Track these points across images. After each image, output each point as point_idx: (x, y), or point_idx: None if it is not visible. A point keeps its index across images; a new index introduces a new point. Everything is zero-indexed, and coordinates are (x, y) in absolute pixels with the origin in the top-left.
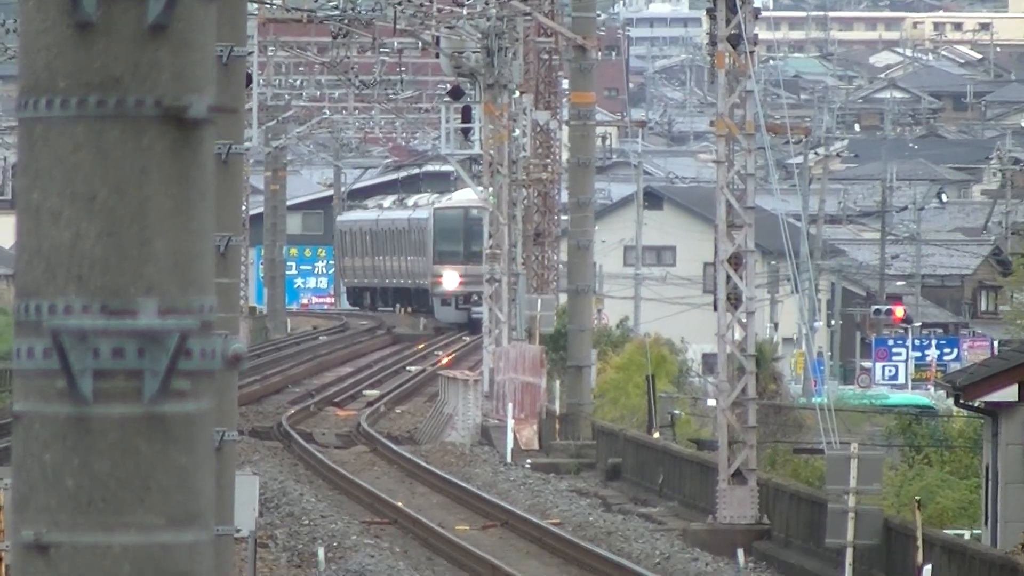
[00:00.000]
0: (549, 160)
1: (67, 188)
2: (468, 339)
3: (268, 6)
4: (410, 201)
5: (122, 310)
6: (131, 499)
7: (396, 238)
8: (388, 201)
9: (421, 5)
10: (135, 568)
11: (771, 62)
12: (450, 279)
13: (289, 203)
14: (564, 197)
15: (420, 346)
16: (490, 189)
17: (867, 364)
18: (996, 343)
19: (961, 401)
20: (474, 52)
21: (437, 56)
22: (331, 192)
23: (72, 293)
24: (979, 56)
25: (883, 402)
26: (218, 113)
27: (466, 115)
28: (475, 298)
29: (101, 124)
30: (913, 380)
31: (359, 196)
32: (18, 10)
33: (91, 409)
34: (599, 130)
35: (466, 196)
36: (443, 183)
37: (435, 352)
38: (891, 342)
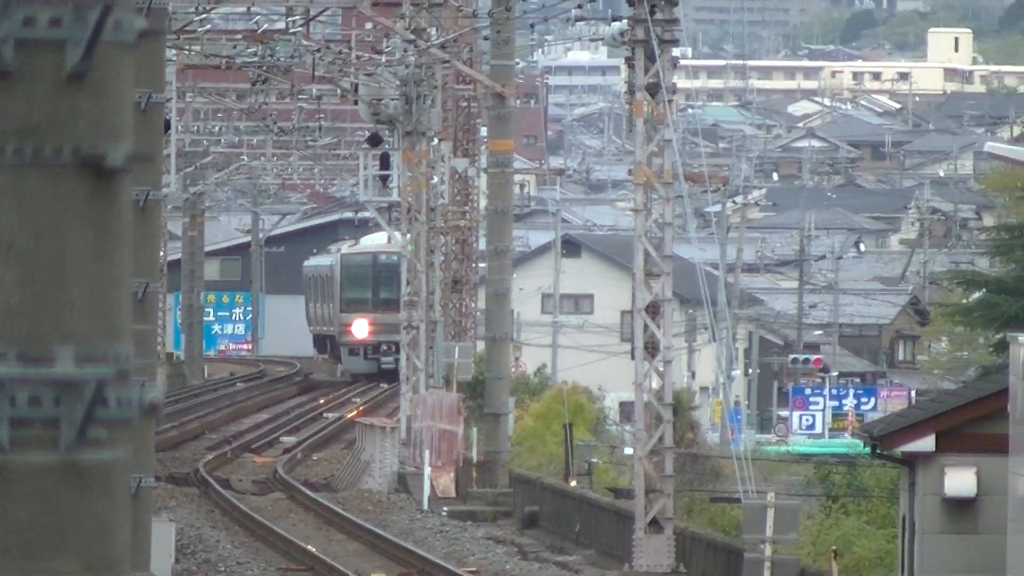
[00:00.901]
0: (467, 207)
1: None
2: (386, 386)
3: (187, 52)
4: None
5: (39, 358)
6: (48, 546)
7: (324, 284)
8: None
9: (340, 52)
10: None
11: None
12: (359, 328)
13: (207, 249)
14: (482, 244)
15: (337, 392)
16: (408, 236)
17: (784, 413)
18: (914, 393)
19: (878, 451)
20: (392, 99)
21: (355, 103)
22: (249, 238)
23: None
24: (897, 106)
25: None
26: (135, 161)
27: (384, 162)
28: (385, 347)
29: (19, 172)
30: (830, 430)
31: (277, 243)
32: None
33: (8, 457)
34: (517, 178)
35: (375, 241)
36: (362, 230)
37: (352, 399)
38: (808, 391)
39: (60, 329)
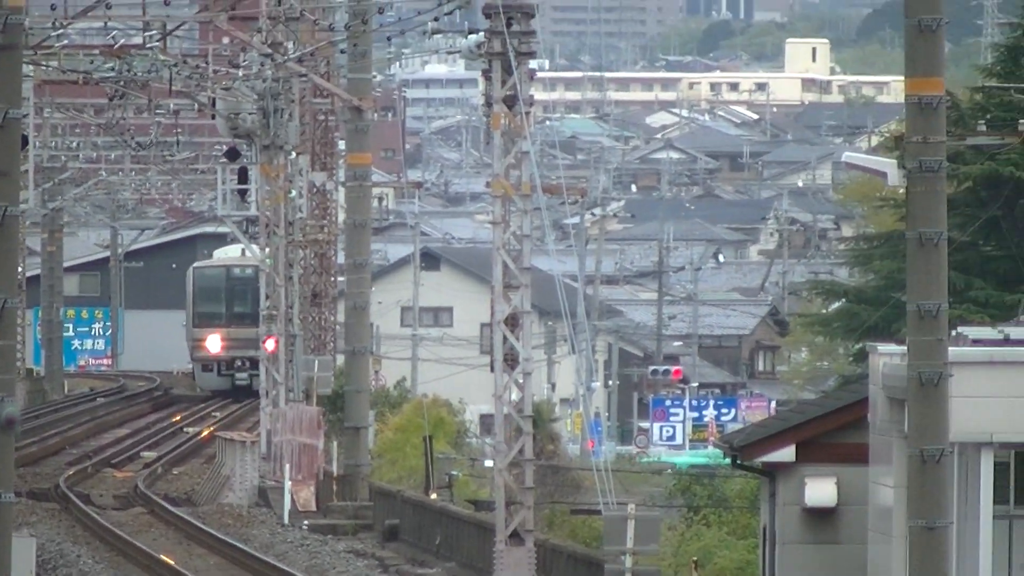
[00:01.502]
0: (326, 221)
1: None
2: (236, 406)
3: (44, 67)
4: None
5: None
6: None
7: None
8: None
9: (197, 67)
10: None
11: (547, 123)
12: (212, 343)
13: (66, 264)
14: (341, 258)
15: (197, 407)
16: (267, 250)
17: (645, 424)
18: (774, 403)
19: (739, 462)
20: (250, 113)
21: (213, 117)
22: (108, 253)
23: None
24: (756, 116)
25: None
26: None
27: (243, 176)
28: (239, 363)
29: None
30: (691, 440)
31: (136, 257)
32: None
33: None
34: (376, 191)
35: (228, 254)
36: (222, 244)
37: (213, 413)
38: (669, 402)
39: None
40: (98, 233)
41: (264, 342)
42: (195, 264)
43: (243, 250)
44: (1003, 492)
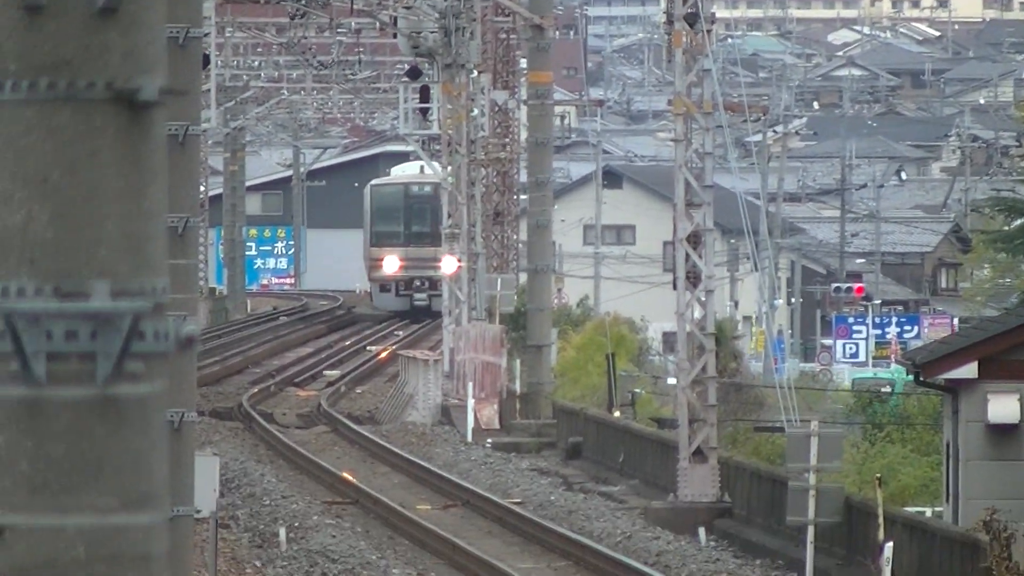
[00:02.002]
0: (507, 140)
1: (18, 170)
2: (426, 320)
3: None
4: None
5: (75, 292)
6: (85, 481)
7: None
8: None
9: None
10: (89, 549)
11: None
12: (389, 263)
13: (248, 184)
14: (523, 177)
15: (380, 326)
16: (448, 169)
17: (827, 342)
18: (956, 320)
19: (921, 379)
20: (431, 32)
21: (395, 36)
22: (290, 172)
23: (24, 276)
24: (937, 33)
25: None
26: (170, 95)
27: (424, 95)
28: (417, 283)
29: (52, 107)
30: (873, 358)
31: (318, 176)
32: None
33: (44, 392)
34: (557, 109)
35: (406, 171)
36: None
37: (395, 332)
38: (851, 320)
39: (95, 263)
40: (280, 152)
41: (440, 261)
42: (372, 182)
43: (422, 167)
44: None
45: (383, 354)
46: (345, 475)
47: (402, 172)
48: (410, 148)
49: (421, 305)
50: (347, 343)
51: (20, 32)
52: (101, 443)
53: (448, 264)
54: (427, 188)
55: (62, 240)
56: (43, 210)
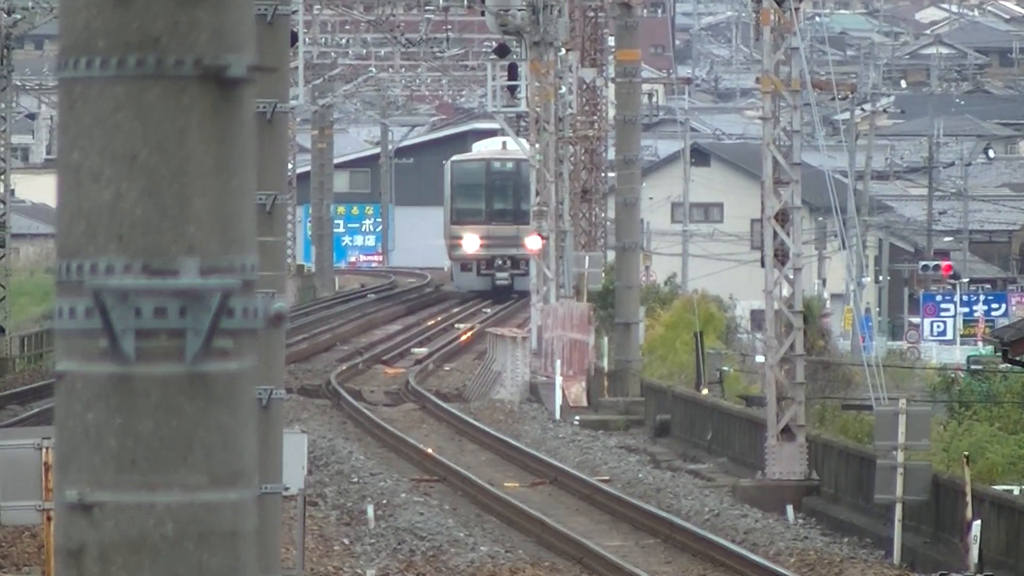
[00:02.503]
0: (595, 117)
1: (107, 148)
2: (516, 296)
3: None
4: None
5: (163, 269)
6: (174, 458)
7: None
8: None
9: None
10: (178, 527)
11: (817, 19)
12: (470, 241)
13: (336, 161)
14: (611, 154)
15: (467, 304)
16: (536, 146)
17: (915, 320)
18: None
19: (1009, 356)
20: (520, 10)
21: (483, 14)
22: (378, 150)
23: (113, 253)
24: None
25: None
26: (258, 72)
27: (512, 73)
28: (499, 262)
29: (141, 84)
30: (962, 336)
31: (406, 154)
32: None
33: (133, 369)
34: (645, 87)
35: (488, 147)
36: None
37: (483, 310)
38: (939, 298)
39: (183, 240)
40: (368, 130)
41: (525, 241)
42: (453, 158)
43: (504, 143)
44: None
45: (463, 337)
46: (429, 450)
47: (484, 148)
48: (498, 126)
49: (503, 285)
50: (435, 321)
51: (109, 10)
52: (190, 420)
53: (532, 242)
54: (509, 164)
55: (151, 217)
56: (132, 187)
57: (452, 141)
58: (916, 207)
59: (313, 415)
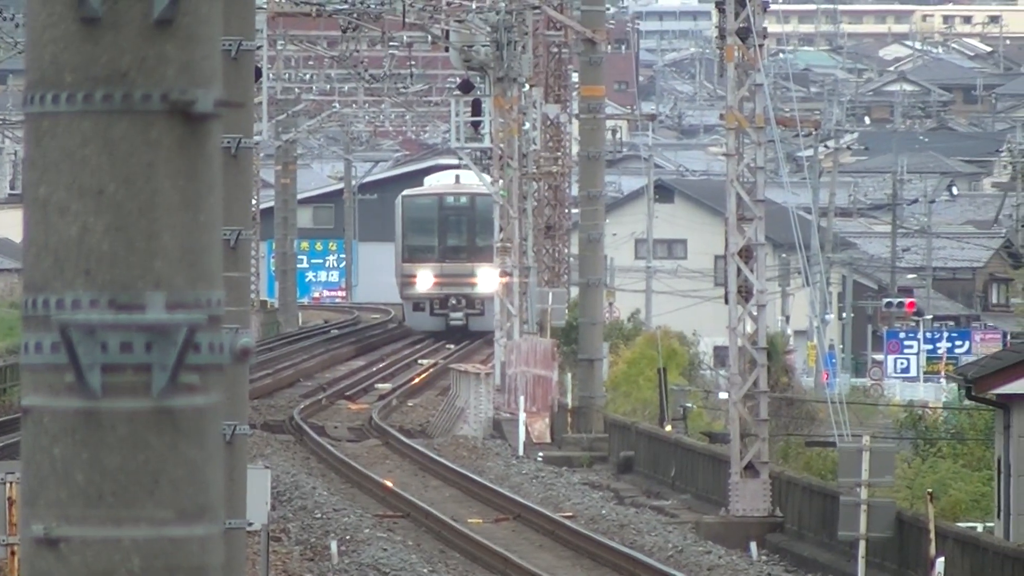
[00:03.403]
0: (559, 153)
1: (74, 182)
2: (464, 342)
3: (277, 0)
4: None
5: (130, 304)
6: (141, 493)
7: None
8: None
9: None
10: (145, 561)
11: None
12: (423, 280)
13: (300, 197)
14: (575, 190)
15: (431, 339)
16: (500, 182)
17: (879, 357)
18: (1008, 335)
19: (973, 393)
20: (483, 46)
21: (447, 50)
22: (342, 186)
23: (80, 287)
24: (989, 49)
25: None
26: (225, 107)
27: (476, 108)
28: (453, 302)
29: (108, 118)
30: (925, 373)
31: (370, 190)
32: (24, 4)
33: (100, 403)
34: (609, 123)
35: (441, 181)
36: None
37: (447, 346)
38: (903, 335)
39: (150, 275)
40: (332, 165)
41: (473, 278)
42: (404, 192)
43: (457, 176)
44: None
45: (416, 379)
46: (388, 483)
47: (437, 182)
48: (462, 162)
49: (457, 325)
50: (398, 356)
51: (76, 44)
52: (157, 455)
53: (486, 279)
54: (463, 199)
55: (118, 252)
56: (99, 222)
57: (416, 176)
58: (880, 244)
59: (276, 450)
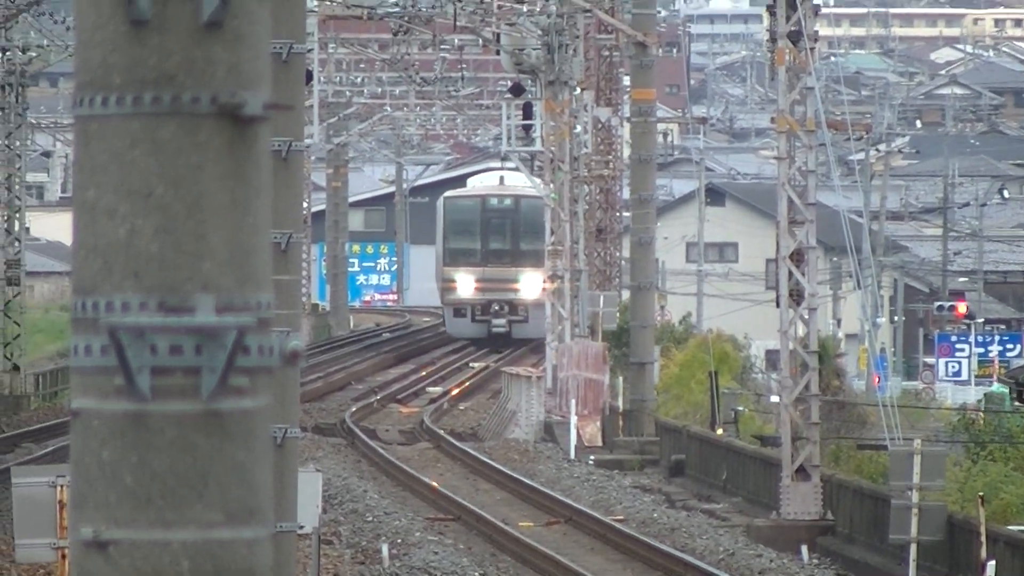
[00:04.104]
0: (611, 157)
1: (123, 185)
2: (506, 351)
3: (328, 3)
4: None
5: (179, 307)
6: (190, 495)
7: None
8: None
9: (481, 2)
10: (194, 564)
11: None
12: (464, 285)
13: (351, 200)
14: (626, 193)
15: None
16: (551, 185)
17: (930, 360)
18: None
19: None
20: (535, 49)
21: (498, 53)
22: (393, 189)
23: (129, 290)
24: None
25: None
26: (274, 110)
27: (527, 112)
28: (496, 308)
29: (157, 121)
30: (976, 376)
31: (421, 193)
32: (74, 7)
33: (149, 406)
34: (660, 127)
35: (486, 182)
36: None
37: (498, 349)
38: (954, 338)
39: (199, 278)
40: (383, 168)
41: (516, 283)
42: (446, 193)
43: (501, 177)
44: None
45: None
46: (434, 484)
47: (480, 183)
48: (512, 165)
49: (500, 332)
50: (449, 359)
51: (125, 46)
52: (206, 457)
53: (530, 284)
54: (507, 201)
55: (166, 254)
56: (147, 224)
57: (466, 180)
58: (931, 247)
59: (328, 454)
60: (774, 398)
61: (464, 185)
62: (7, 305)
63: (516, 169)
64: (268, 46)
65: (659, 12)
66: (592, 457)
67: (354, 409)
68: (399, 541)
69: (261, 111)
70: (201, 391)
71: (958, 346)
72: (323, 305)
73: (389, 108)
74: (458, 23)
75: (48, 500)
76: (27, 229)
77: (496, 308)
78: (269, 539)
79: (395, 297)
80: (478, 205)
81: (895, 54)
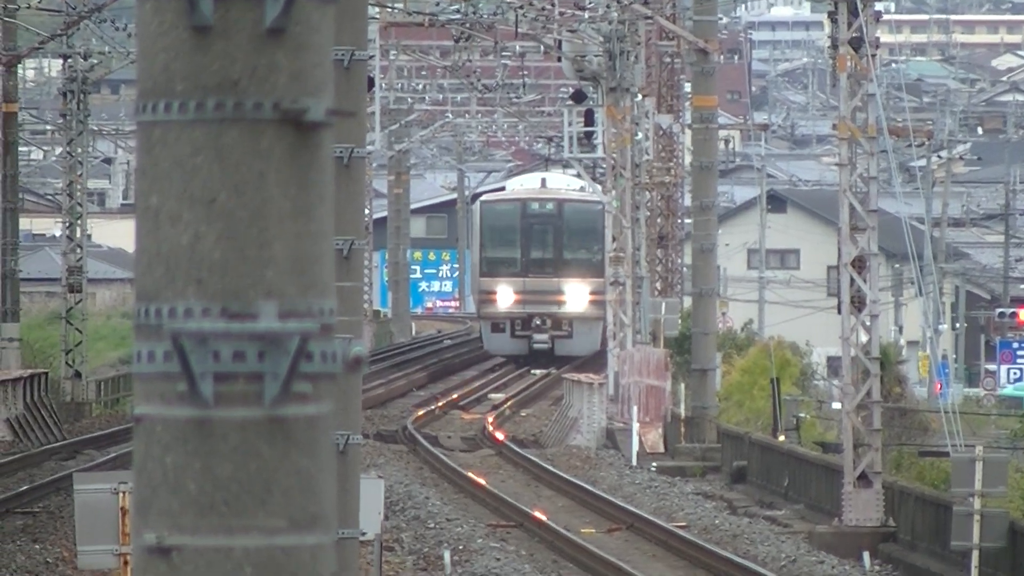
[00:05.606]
0: (672, 163)
1: (185, 191)
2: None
3: (389, 10)
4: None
5: (242, 313)
6: (253, 502)
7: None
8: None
9: (543, 9)
10: (257, 570)
11: (893, 65)
12: (504, 296)
13: (413, 207)
14: (687, 200)
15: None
16: (613, 192)
17: (992, 367)
18: None
19: None
20: (596, 56)
21: (559, 60)
22: (455, 195)
23: (192, 296)
24: None
25: None
26: (336, 116)
27: (588, 118)
28: (537, 322)
29: (219, 127)
30: None
31: None
32: (135, 13)
33: (212, 412)
34: (722, 133)
35: (526, 185)
36: None
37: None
38: (1016, 345)
39: (262, 284)
40: (444, 175)
41: (560, 295)
42: (483, 197)
43: (543, 180)
44: None
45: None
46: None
47: (520, 186)
48: (574, 171)
49: (541, 349)
50: (511, 366)
51: (187, 52)
52: (269, 464)
53: (575, 296)
54: (549, 206)
55: (229, 260)
56: (210, 230)
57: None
58: (992, 254)
59: (389, 460)
60: (836, 405)
61: None
62: (69, 312)
63: (564, 171)
64: (330, 53)
65: (720, 19)
66: (654, 464)
67: (416, 415)
68: (461, 548)
69: (323, 117)
70: (264, 397)
71: (1019, 353)
72: (385, 312)
73: (450, 115)
74: (519, 30)
75: (110, 506)
76: (89, 236)
77: (538, 323)
78: (333, 546)
79: (456, 304)
80: (518, 210)
81: (956, 60)
